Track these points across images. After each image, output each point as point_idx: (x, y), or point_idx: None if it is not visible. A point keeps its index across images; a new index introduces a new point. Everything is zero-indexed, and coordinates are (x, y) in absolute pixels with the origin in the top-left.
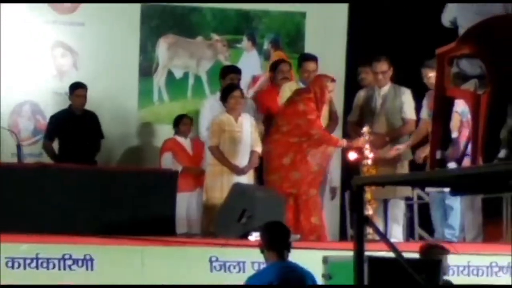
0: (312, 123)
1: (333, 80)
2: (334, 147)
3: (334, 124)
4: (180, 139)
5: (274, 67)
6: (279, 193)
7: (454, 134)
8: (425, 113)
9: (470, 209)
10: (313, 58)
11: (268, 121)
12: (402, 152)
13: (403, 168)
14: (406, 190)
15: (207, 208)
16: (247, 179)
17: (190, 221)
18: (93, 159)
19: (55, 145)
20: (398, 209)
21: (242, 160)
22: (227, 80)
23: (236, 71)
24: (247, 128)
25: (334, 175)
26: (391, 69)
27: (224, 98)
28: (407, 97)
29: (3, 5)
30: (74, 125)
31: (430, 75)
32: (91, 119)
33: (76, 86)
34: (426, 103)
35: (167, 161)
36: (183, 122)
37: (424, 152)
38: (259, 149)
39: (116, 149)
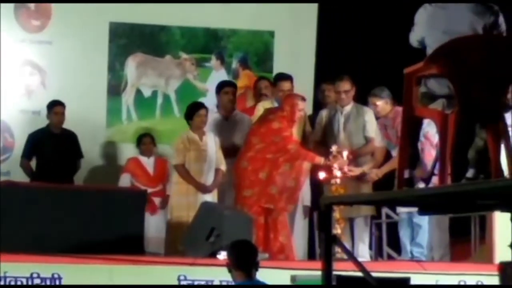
0: (288, 139)
1: (303, 99)
2: (310, 163)
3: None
4: (142, 158)
5: (255, 85)
6: (253, 210)
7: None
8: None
9: (438, 228)
10: (288, 78)
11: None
12: (367, 171)
13: (368, 187)
14: (370, 209)
15: (172, 227)
16: (212, 197)
17: (155, 240)
18: (71, 178)
19: (33, 163)
20: (363, 228)
21: (207, 178)
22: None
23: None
24: (212, 146)
25: (306, 194)
26: (353, 88)
27: (189, 116)
28: (369, 116)
29: None
30: (52, 144)
31: (378, 103)
32: (70, 138)
33: (54, 104)
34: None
35: (124, 182)
36: (144, 142)
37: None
38: (223, 167)
39: (84, 167)
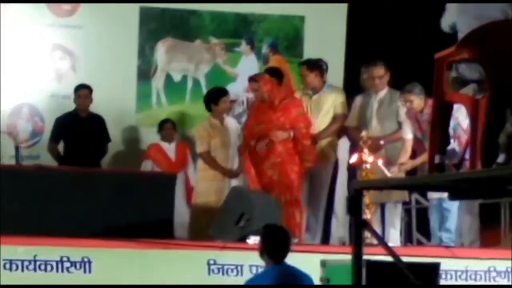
0: None
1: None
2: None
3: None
4: (163, 144)
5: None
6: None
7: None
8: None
9: (468, 213)
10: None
11: None
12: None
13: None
14: (401, 195)
15: (198, 212)
16: (238, 181)
17: (178, 225)
18: (98, 162)
19: (61, 147)
20: (394, 214)
21: (233, 163)
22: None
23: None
24: (233, 131)
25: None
26: (387, 73)
27: (215, 102)
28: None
29: (3, 8)
30: (80, 127)
31: (413, 99)
32: (97, 122)
33: (79, 87)
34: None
35: (146, 169)
36: (165, 127)
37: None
38: None
39: (114, 152)
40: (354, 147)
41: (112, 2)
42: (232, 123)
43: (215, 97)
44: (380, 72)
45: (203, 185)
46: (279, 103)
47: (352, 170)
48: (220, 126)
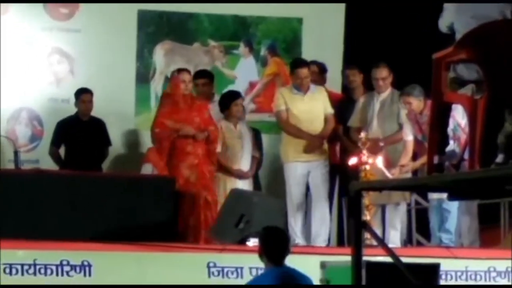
0: None
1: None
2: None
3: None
4: None
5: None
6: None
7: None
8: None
9: (467, 213)
10: (305, 64)
11: None
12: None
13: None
14: (401, 196)
15: None
16: (248, 184)
17: None
18: (99, 166)
19: (62, 151)
20: (395, 215)
21: (243, 165)
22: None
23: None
24: (246, 134)
25: None
26: (391, 75)
27: (226, 105)
28: None
29: (1, 12)
30: (81, 131)
31: (412, 101)
32: (98, 125)
33: (81, 92)
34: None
35: (146, 172)
36: None
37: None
38: (258, 154)
39: (114, 155)
40: (345, 150)
41: (110, 2)
42: (245, 127)
43: (227, 101)
44: (383, 73)
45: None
46: (194, 103)
47: (350, 171)
48: (233, 129)
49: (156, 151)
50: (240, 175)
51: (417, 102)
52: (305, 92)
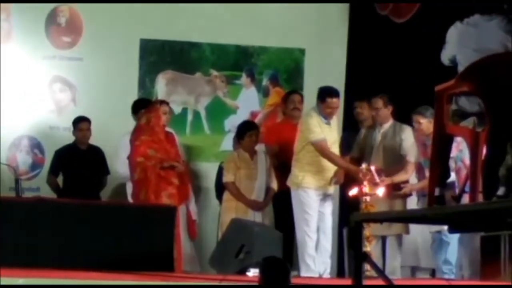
0: None
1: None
2: None
3: None
4: None
5: (286, 98)
6: None
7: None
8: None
9: (467, 246)
10: (338, 94)
11: (283, 153)
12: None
13: (400, 207)
14: (402, 228)
15: None
16: (263, 216)
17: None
18: (97, 194)
19: (60, 180)
20: (395, 246)
21: (258, 196)
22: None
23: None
24: (263, 165)
25: None
26: (388, 107)
27: (241, 136)
28: (406, 134)
29: (3, 40)
30: (79, 160)
31: (422, 122)
32: (96, 154)
33: (79, 120)
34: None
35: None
36: None
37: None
38: (275, 185)
39: (115, 184)
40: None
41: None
42: (262, 158)
43: (241, 132)
44: (378, 104)
45: (226, 216)
46: (167, 135)
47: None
48: (249, 159)
49: (136, 182)
50: (253, 206)
51: (427, 124)
52: (329, 121)
